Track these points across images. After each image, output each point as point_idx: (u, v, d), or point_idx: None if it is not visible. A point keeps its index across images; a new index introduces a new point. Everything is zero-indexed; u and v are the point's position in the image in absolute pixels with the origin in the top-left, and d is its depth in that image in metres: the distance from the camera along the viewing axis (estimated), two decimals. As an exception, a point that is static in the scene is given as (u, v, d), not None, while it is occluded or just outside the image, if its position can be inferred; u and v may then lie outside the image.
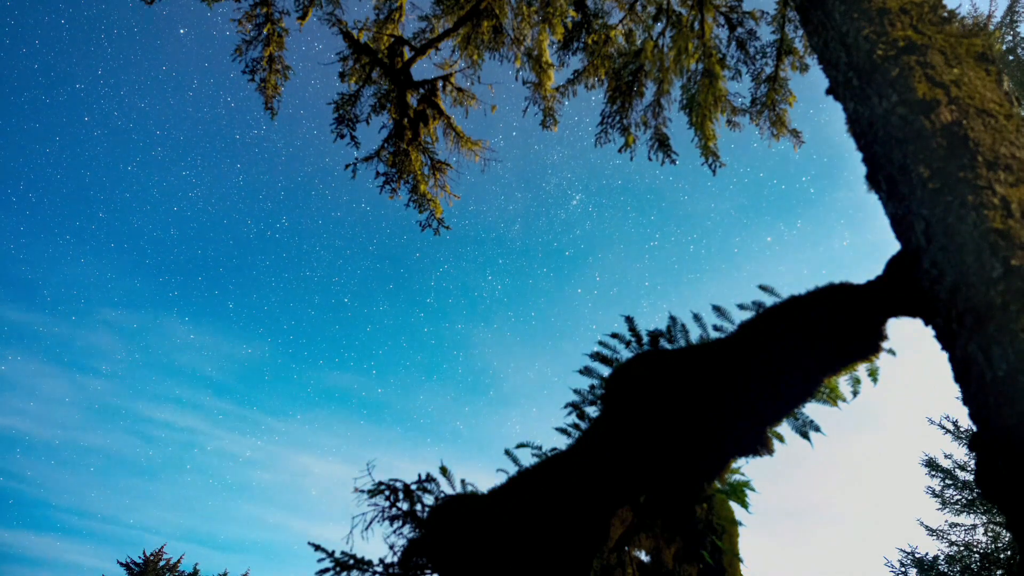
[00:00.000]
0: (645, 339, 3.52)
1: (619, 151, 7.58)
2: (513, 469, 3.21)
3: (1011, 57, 11.59)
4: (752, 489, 3.59)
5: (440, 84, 7.23)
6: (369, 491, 3.14)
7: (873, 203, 2.18)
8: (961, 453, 14.32)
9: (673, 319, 3.44)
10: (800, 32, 6.85)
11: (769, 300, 2.75)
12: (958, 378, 1.60)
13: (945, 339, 1.67)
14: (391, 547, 2.99)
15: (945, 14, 2.15)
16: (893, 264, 2.22)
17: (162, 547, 19.41)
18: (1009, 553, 12.98)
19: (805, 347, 2.44)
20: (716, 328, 3.12)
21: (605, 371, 3.61)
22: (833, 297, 2.38)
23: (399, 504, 3.11)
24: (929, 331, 1.86)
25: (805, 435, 3.26)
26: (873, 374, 2.90)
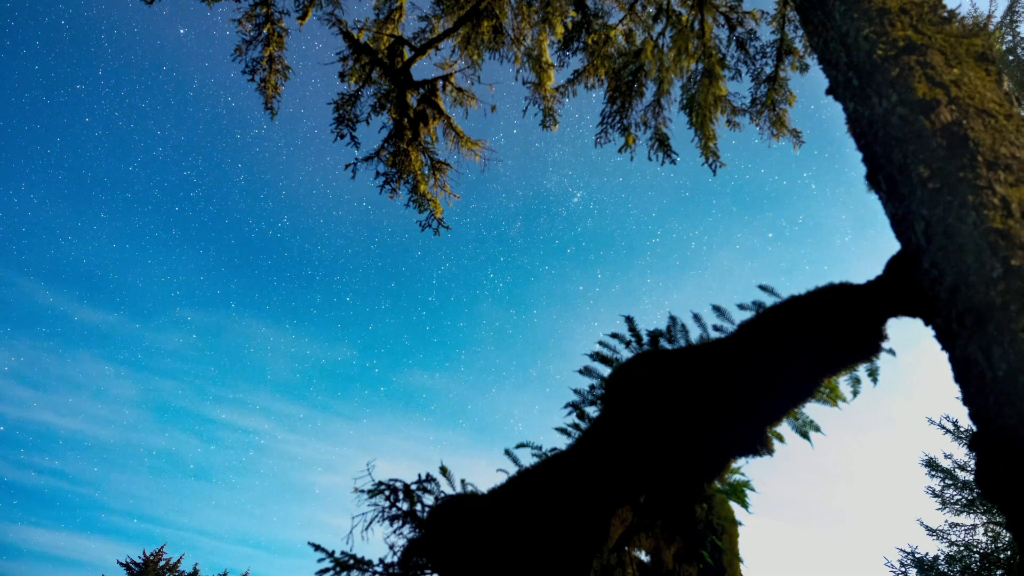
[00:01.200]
0: (645, 339, 3.52)
1: (619, 151, 7.58)
2: (513, 469, 3.21)
3: (1011, 57, 11.59)
4: (752, 489, 3.59)
5: (440, 84, 7.23)
6: (369, 491, 3.14)
7: (874, 200, 2.18)
8: (961, 453, 14.33)
9: (673, 319, 3.44)
10: (800, 32, 6.84)
11: (769, 300, 2.75)
12: (958, 378, 1.60)
13: (945, 339, 1.67)
14: (391, 547, 2.99)
15: (945, 14, 2.15)
16: (893, 264, 2.22)
17: (162, 547, 19.41)
18: (1009, 553, 12.98)
19: (805, 347, 2.43)
20: (716, 328, 3.12)
21: (605, 371, 3.61)
22: (833, 297, 2.38)
23: (399, 504, 3.11)
24: (929, 331, 1.86)
25: (805, 435, 3.26)
26: (873, 374, 2.90)
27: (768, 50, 7.01)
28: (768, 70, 7.11)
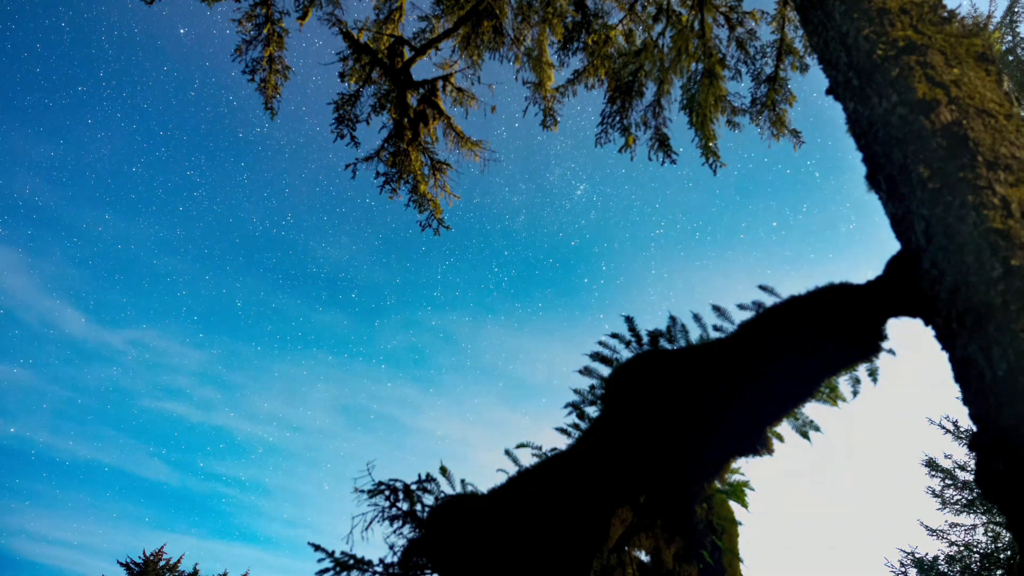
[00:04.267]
0: (645, 339, 3.52)
1: (619, 151, 7.58)
2: (513, 469, 3.21)
3: (1011, 57, 11.59)
4: (752, 489, 3.59)
5: (440, 84, 7.23)
6: (369, 491, 3.14)
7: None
8: (961, 453, 14.33)
9: (673, 319, 3.44)
10: (800, 32, 6.84)
11: (769, 300, 2.75)
12: (958, 378, 1.60)
13: (945, 339, 1.67)
14: (391, 547, 2.99)
15: (945, 14, 2.15)
16: (893, 264, 2.22)
17: (162, 547, 19.41)
18: (1009, 553, 12.98)
19: (805, 347, 2.43)
20: (716, 328, 3.13)
21: (605, 371, 3.61)
22: (833, 297, 2.38)
23: (399, 504, 3.11)
24: (929, 331, 1.85)
25: (805, 435, 3.26)
26: (873, 374, 2.90)
27: (768, 50, 7.01)
28: (768, 70, 7.11)
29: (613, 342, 3.62)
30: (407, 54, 7.19)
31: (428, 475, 3.20)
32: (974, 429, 1.52)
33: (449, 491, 3.15)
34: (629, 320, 3.59)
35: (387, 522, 3.07)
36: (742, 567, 3.37)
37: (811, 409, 3.17)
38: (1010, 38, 11.69)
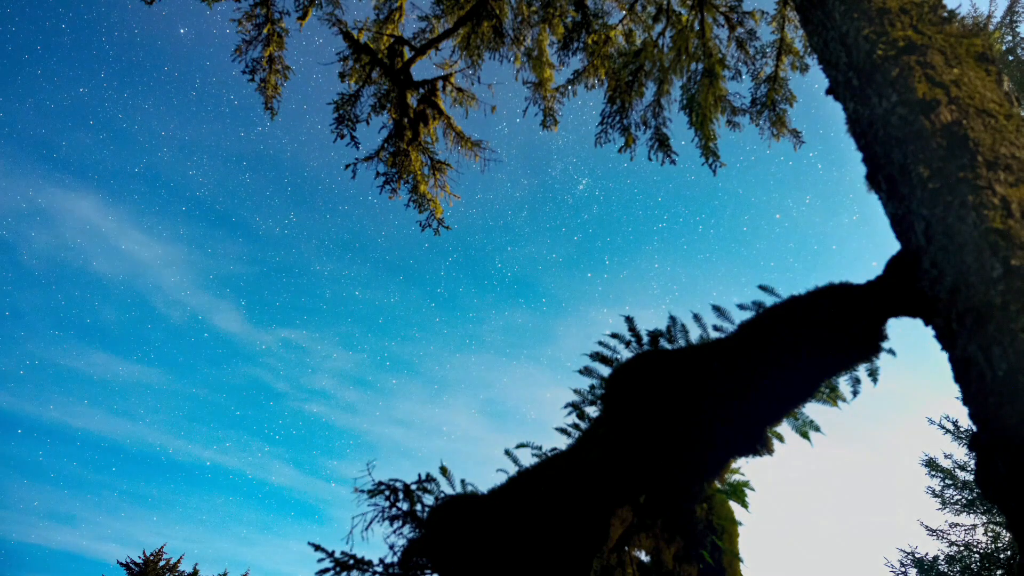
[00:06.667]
0: (645, 339, 3.52)
1: (619, 151, 7.58)
2: (513, 469, 3.21)
3: (1011, 57, 11.59)
4: (752, 489, 3.59)
5: (440, 84, 7.23)
6: (369, 491, 3.14)
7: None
8: (961, 453, 14.33)
9: (673, 319, 3.44)
10: (800, 32, 6.85)
11: (769, 300, 2.75)
12: (958, 378, 1.60)
13: (945, 339, 1.67)
14: (391, 547, 2.99)
15: (945, 14, 2.15)
16: (893, 264, 2.22)
17: (162, 547, 19.39)
18: (1009, 553, 12.98)
19: (805, 347, 2.43)
20: (716, 328, 3.12)
21: (605, 371, 3.61)
22: (833, 297, 2.38)
23: (399, 504, 3.11)
24: (929, 331, 1.85)
25: (805, 435, 3.26)
26: (873, 374, 2.90)
27: (768, 50, 7.01)
28: (768, 70, 7.11)
29: (613, 342, 3.62)
30: (407, 54, 7.19)
31: (428, 475, 3.20)
32: (974, 429, 1.52)
33: (449, 491, 3.15)
34: (629, 320, 3.59)
35: (387, 522, 3.07)
36: (742, 567, 3.37)
37: (811, 409, 3.17)
38: (1010, 38, 11.69)
